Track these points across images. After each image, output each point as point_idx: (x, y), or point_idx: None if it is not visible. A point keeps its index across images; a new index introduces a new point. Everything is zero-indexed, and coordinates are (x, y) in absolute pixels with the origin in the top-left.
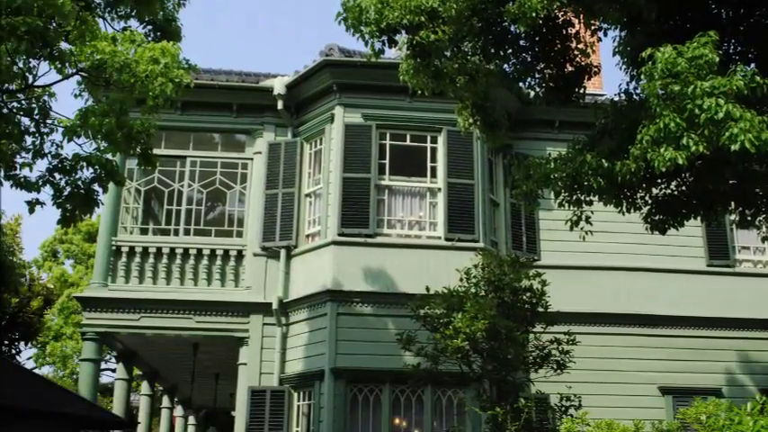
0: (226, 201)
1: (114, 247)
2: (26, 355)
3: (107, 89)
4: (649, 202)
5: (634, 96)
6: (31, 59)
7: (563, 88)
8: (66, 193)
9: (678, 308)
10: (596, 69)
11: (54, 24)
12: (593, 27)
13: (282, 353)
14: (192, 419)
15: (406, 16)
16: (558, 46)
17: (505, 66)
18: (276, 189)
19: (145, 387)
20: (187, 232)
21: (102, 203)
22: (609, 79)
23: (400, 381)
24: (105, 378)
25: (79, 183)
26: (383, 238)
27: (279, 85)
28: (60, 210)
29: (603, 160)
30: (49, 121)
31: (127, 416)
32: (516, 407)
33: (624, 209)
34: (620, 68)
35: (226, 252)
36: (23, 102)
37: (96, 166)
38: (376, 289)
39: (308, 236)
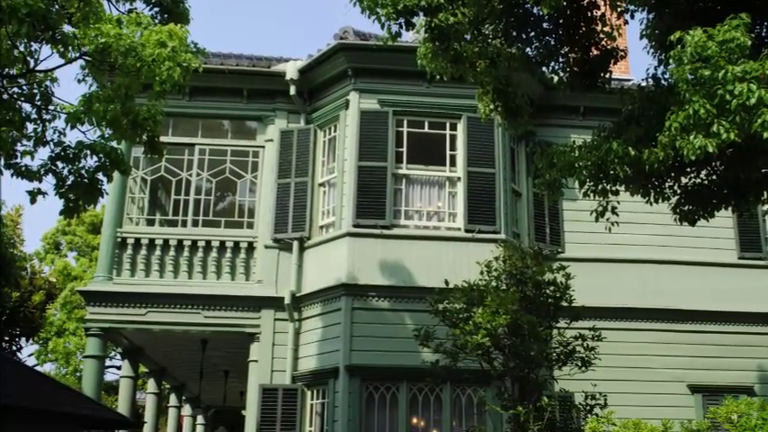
0: (236, 190)
1: (119, 239)
2: (27, 352)
3: (112, 74)
4: (678, 191)
5: (662, 81)
6: (32, 43)
7: (588, 73)
8: (69, 182)
9: (708, 302)
10: (623, 53)
11: (56, 6)
12: (619, 9)
13: (295, 349)
14: (200, 419)
15: None
16: (583, 29)
17: (528, 49)
18: (288, 178)
19: (151, 385)
20: (195, 223)
21: (107, 193)
22: (636, 64)
23: (418, 378)
24: (110, 376)
25: (83, 172)
26: (400, 230)
27: (291, 70)
28: (63, 200)
29: (630, 148)
30: (51, 108)
31: (132, 415)
32: (539, 406)
33: (652, 199)
34: (648, 52)
35: (236, 244)
36: (24, 87)
37: (101, 155)
38: (393, 283)
39: (321, 227)
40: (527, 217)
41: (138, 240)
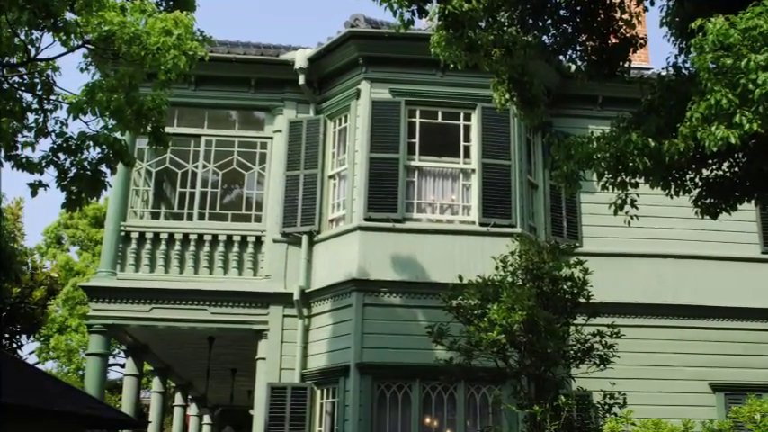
0: (243, 183)
1: (123, 233)
2: (28, 350)
3: (115, 63)
4: (699, 184)
5: (683, 70)
6: (33, 31)
7: (606, 62)
8: (71, 174)
9: (730, 298)
10: (642, 41)
11: None
12: None
13: (304, 347)
14: (206, 418)
15: None
16: (602, 16)
17: (545, 37)
18: (297, 170)
19: (156, 383)
20: (202, 217)
21: (110, 186)
22: (656, 52)
23: (431, 377)
24: (113, 374)
25: (85, 163)
26: (413, 223)
27: (300, 59)
28: (65, 192)
29: (650, 139)
30: (52, 98)
31: (137, 415)
32: (556, 405)
33: (672, 191)
34: (668, 40)
35: (243, 238)
36: (25, 76)
37: (104, 146)
38: (405, 278)
39: (331, 221)
40: (543, 210)
41: (142, 234)
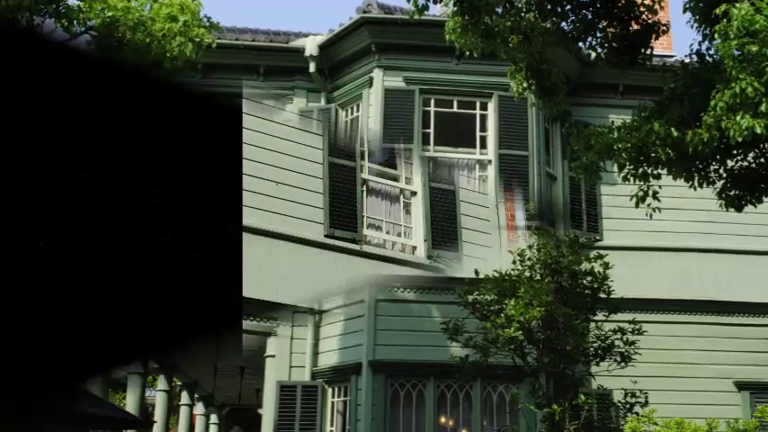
0: None
1: None
2: None
3: (120, 50)
4: (724, 175)
5: (707, 58)
6: (35, 17)
7: (627, 49)
8: None
9: (756, 293)
10: (665, 28)
11: None
12: None
13: (315, 344)
14: (213, 418)
15: None
16: (623, 1)
17: (564, 24)
18: None
19: (162, 382)
20: None
21: None
22: (679, 39)
23: (446, 375)
24: None
25: None
26: None
27: (311, 46)
28: None
29: (673, 129)
30: None
31: (142, 414)
32: (575, 404)
33: (696, 183)
34: (692, 27)
35: None
36: None
37: None
38: (419, 272)
39: None
40: (562, 202)
41: None
